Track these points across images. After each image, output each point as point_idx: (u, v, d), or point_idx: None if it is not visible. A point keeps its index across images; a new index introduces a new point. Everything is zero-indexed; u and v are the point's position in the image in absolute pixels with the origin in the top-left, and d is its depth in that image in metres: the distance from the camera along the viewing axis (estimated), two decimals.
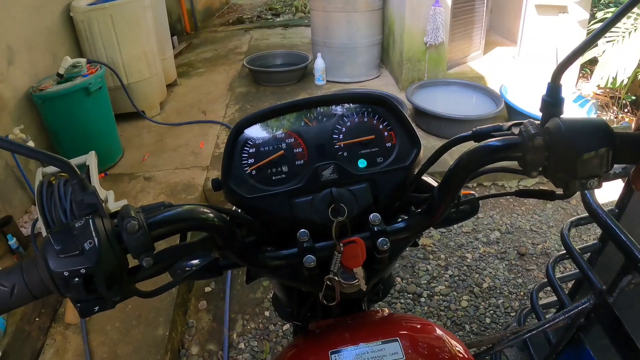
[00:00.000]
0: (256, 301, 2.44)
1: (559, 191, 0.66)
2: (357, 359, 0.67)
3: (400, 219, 0.76)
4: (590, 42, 0.59)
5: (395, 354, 0.67)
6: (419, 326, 0.78)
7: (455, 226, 2.89)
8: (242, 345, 2.21)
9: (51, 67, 3.21)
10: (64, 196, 2.25)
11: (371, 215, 0.71)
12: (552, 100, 0.63)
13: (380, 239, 0.68)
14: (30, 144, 2.68)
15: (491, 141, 0.63)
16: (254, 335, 2.26)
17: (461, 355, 0.71)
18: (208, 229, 0.61)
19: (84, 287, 0.50)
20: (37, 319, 2.13)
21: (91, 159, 2.46)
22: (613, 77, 3.56)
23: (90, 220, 0.52)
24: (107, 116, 3.36)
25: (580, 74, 4.51)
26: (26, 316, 2.13)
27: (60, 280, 0.50)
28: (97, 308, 0.53)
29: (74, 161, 2.60)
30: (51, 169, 2.55)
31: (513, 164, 0.65)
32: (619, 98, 3.96)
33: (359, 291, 0.73)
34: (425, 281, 2.52)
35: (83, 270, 0.50)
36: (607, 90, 4.06)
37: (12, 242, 2.36)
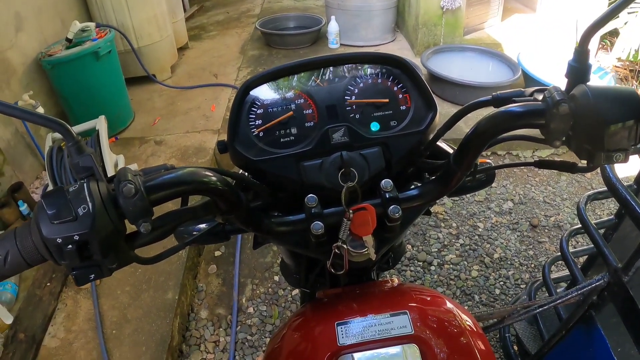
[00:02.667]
0: (266, 265, 2.45)
1: (582, 163, 0.63)
2: (364, 331, 0.66)
3: (413, 186, 0.73)
4: (625, 3, 0.55)
5: (404, 327, 0.65)
6: (429, 298, 0.76)
7: (468, 194, 2.86)
8: (251, 310, 2.23)
9: (60, 32, 3.18)
10: None
11: (383, 181, 0.68)
12: (579, 65, 0.59)
13: (391, 207, 0.66)
14: (40, 109, 2.67)
15: (512, 106, 0.59)
16: (263, 300, 2.27)
17: (471, 329, 0.69)
18: (210, 192, 0.58)
19: (78, 254, 0.48)
20: (48, 284, 2.15)
21: (101, 124, 2.44)
22: (635, 50, 3.45)
23: (85, 184, 0.49)
24: (117, 80, 3.33)
25: (600, 45, 4.38)
26: (37, 281, 2.16)
27: (54, 247, 0.48)
28: (92, 276, 0.51)
29: (84, 126, 2.59)
30: None
31: (534, 132, 0.61)
32: (639, 72, 3.84)
33: (368, 260, 0.71)
34: (436, 249, 2.51)
35: (77, 237, 0.47)
36: (628, 63, 3.94)
37: (24, 208, 2.37)
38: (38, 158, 2.85)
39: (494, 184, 2.94)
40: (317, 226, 0.65)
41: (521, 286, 2.29)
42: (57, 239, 0.47)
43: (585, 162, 0.60)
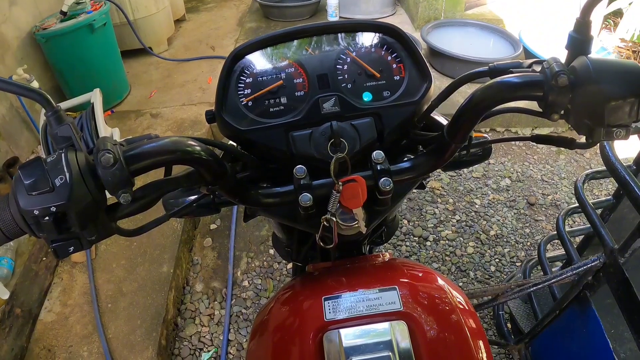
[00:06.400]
0: (261, 239, 2.45)
1: (580, 139, 0.60)
2: (352, 306, 0.65)
3: (405, 159, 0.71)
4: None
5: (392, 303, 0.64)
6: (420, 274, 0.74)
7: (465, 170, 2.85)
8: (245, 283, 2.23)
9: (54, 5, 3.12)
10: None
11: (374, 152, 0.66)
12: (580, 36, 0.56)
13: (382, 179, 0.64)
14: (35, 84, 2.65)
15: (510, 77, 0.57)
16: (258, 273, 2.28)
17: (462, 307, 0.68)
18: (193, 162, 0.56)
19: (56, 226, 0.47)
20: (44, 259, 2.16)
21: (96, 97, 2.41)
22: None
23: (63, 154, 0.47)
24: (113, 53, 3.29)
25: (604, 25, 4.33)
26: (34, 256, 2.16)
27: (31, 219, 0.46)
28: (72, 248, 0.50)
29: (79, 99, 2.57)
30: None
31: (532, 105, 0.59)
32: None
33: (359, 234, 0.70)
34: (432, 225, 2.50)
35: (54, 208, 0.46)
36: (631, 44, 3.90)
37: None
38: (33, 133, 2.82)
39: (491, 160, 2.93)
40: (306, 198, 0.63)
41: (516, 264, 2.30)
42: (34, 211, 0.46)
43: (584, 138, 0.58)
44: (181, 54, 4.00)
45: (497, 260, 2.31)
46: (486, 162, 2.90)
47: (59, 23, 2.87)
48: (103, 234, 0.52)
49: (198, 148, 0.56)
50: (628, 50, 3.90)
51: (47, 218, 0.46)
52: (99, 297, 2.03)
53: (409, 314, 0.63)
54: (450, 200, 2.66)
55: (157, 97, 3.38)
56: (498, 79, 0.57)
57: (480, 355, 0.64)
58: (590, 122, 0.54)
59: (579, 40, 0.57)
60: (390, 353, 0.58)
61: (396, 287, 0.66)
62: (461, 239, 2.43)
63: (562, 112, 0.56)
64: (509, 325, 1.80)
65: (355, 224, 0.66)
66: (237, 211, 2.58)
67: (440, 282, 0.72)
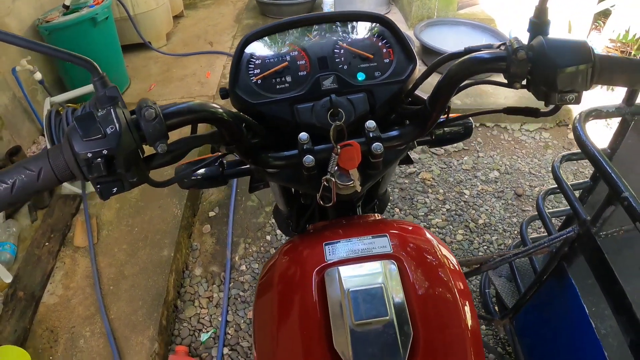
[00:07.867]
0: (258, 225, 2.54)
1: (543, 109, 0.71)
2: (349, 250, 0.75)
3: (394, 129, 0.81)
4: None
5: (383, 247, 0.74)
6: (410, 228, 0.85)
7: (455, 162, 2.95)
8: (243, 267, 2.32)
9: None
10: None
11: (367, 122, 0.76)
12: (539, 20, 0.67)
13: (374, 144, 0.74)
14: (38, 75, 2.73)
15: (479, 53, 0.68)
16: (255, 258, 2.36)
17: (451, 266, 0.78)
18: (217, 121, 0.66)
19: (106, 167, 0.55)
20: (46, 244, 2.22)
21: None
22: (625, 31, 3.52)
23: (112, 109, 0.56)
24: (114, 47, 3.37)
25: (593, 26, 4.43)
26: (36, 241, 2.22)
27: (84, 162, 0.55)
28: (115, 189, 0.59)
29: (81, 90, 2.65)
30: (59, 98, 2.59)
31: (500, 79, 0.70)
32: (630, 53, 3.90)
33: (354, 193, 0.79)
34: (423, 213, 2.60)
35: (105, 152, 0.55)
36: (619, 44, 4.00)
37: None
38: (35, 123, 2.89)
39: (481, 154, 3.02)
40: (309, 159, 0.73)
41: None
42: (88, 154, 0.55)
43: (546, 108, 0.69)
44: (179, 49, 4.08)
45: (485, 247, 2.41)
46: (476, 155, 2.99)
47: (61, 16, 2.94)
48: (140, 179, 0.61)
49: (221, 110, 0.66)
50: (617, 50, 3.99)
51: (98, 159, 0.55)
52: (101, 280, 2.09)
53: (398, 256, 0.73)
54: (441, 191, 2.75)
55: (157, 90, 3.46)
56: (470, 55, 0.68)
57: (460, 289, 0.73)
58: (546, 89, 0.64)
59: (538, 24, 0.67)
60: (382, 284, 0.67)
61: (387, 234, 0.77)
62: (451, 227, 2.52)
63: (524, 82, 0.67)
64: (494, 302, 1.89)
65: (351, 184, 0.75)
66: (234, 200, 2.66)
67: (428, 236, 0.82)
